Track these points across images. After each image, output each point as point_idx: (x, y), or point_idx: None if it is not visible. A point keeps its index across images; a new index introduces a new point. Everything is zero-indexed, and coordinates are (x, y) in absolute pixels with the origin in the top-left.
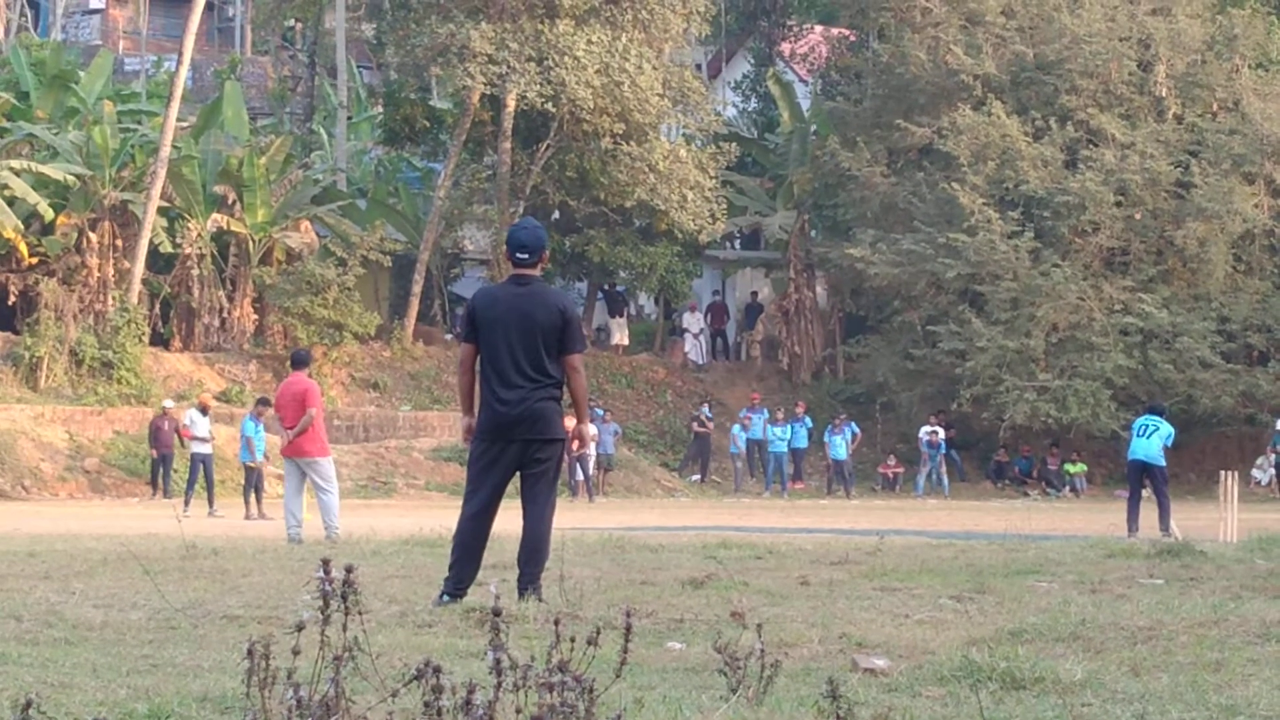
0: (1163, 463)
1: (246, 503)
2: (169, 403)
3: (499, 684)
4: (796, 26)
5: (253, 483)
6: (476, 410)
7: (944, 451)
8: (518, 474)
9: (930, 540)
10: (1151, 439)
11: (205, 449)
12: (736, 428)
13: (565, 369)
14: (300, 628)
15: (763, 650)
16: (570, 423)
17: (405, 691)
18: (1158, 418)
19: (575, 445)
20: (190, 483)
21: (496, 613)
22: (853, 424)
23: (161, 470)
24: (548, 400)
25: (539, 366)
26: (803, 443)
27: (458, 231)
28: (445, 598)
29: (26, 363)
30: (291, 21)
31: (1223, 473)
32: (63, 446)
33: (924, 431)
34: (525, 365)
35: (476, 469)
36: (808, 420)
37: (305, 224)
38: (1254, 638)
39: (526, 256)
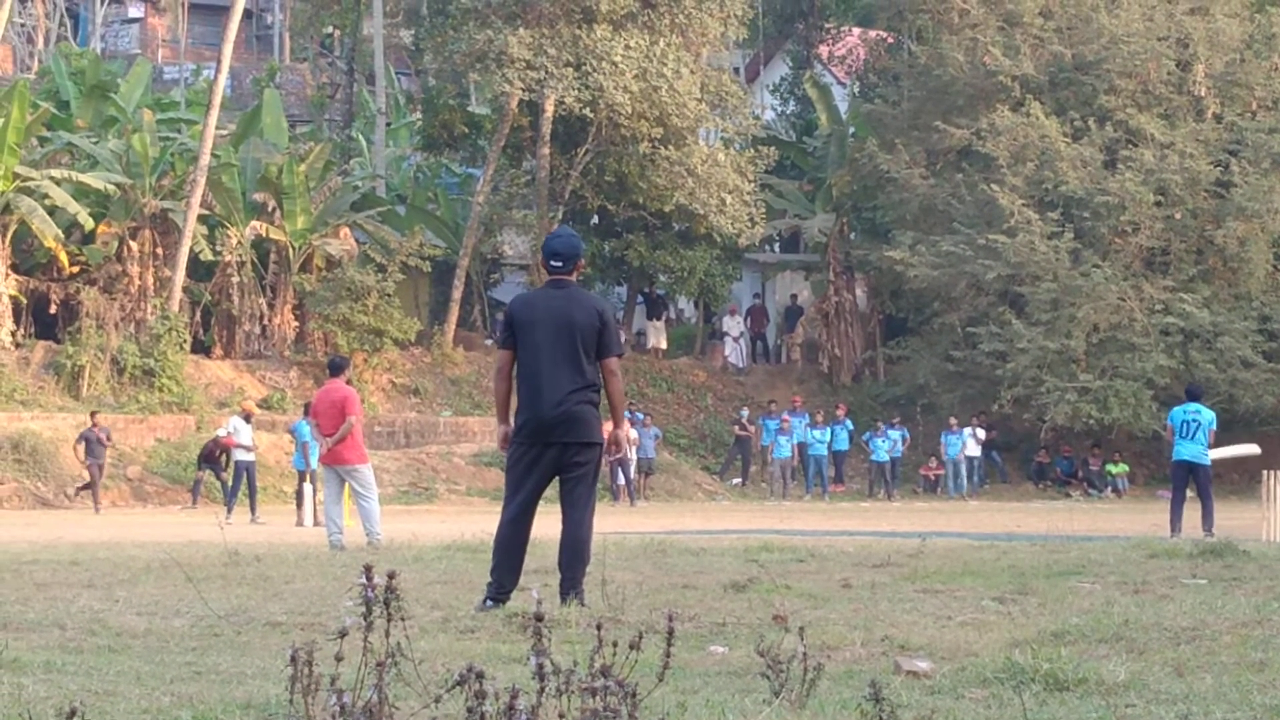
0: (1208, 462)
1: (300, 508)
2: (222, 432)
3: (542, 689)
4: (834, 29)
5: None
6: (513, 417)
7: (968, 453)
8: (556, 479)
9: (972, 542)
10: (1196, 437)
11: (249, 456)
12: (775, 431)
13: (603, 372)
14: (343, 634)
15: (805, 653)
16: (608, 428)
17: (448, 697)
18: (1198, 405)
19: (612, 449)
20: (234, 490)
21: (539, 618)
22: (903, 429)
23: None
24: (584, 404)
25: (576, 370)
26: (844, 445)
27: (497, 237)
28: (488, 603)
29: (69, 371)
30: (330, 28)
31: (1265, 472)
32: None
33: (951, 439)
34: (563, 368)
35: (514, 473)
36: (849, 423)
37: (345, 230)
38: None
39: (561, 265)
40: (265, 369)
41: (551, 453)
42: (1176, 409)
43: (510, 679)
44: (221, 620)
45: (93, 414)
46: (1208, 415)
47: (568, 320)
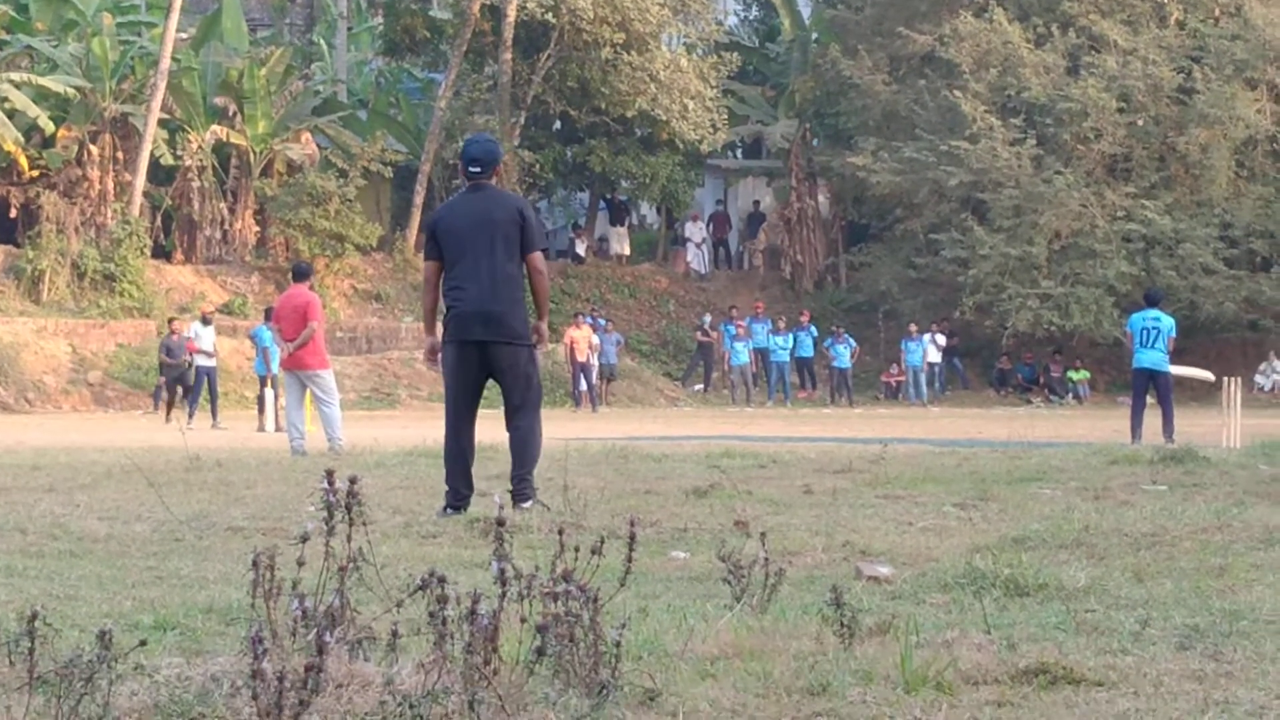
0: (1168, 369)
1: (262, 414)
2: (189, 334)
3: (503, 594)
4: None
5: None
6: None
7: (929, 360)
8: (491, 382)
9: (933, 448)
10: (1156, 345)
11: (210, 362)
12: (732, 338)
13: (528, 268)
14: (305, 539)
15: (767, 559)
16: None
17: (410, 602)
18: (1157, 312)
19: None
20: (194, 395)
21: (500, 523)
22: (849, 337)
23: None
24: (507, 301)
25: (499, 269)
26: (809, 352)
27: (459, 142)
28: (448, 510)
29: (28, 276)
30: None
31: (1225, 378)
32: (65, 359)
33: (911, 345)
34: (484, 267)
35: (448, 379)
36: (813, 329)
37: (306, 135)
38: (1257, 543)
39: (480, 170)
40: (226, 274)
41: (477, 352)
42: (1136, 315)
43: (472, 584)
44: (183, 525)
45: (170, 320)
46: (1167, 322)
47: (488, 220)
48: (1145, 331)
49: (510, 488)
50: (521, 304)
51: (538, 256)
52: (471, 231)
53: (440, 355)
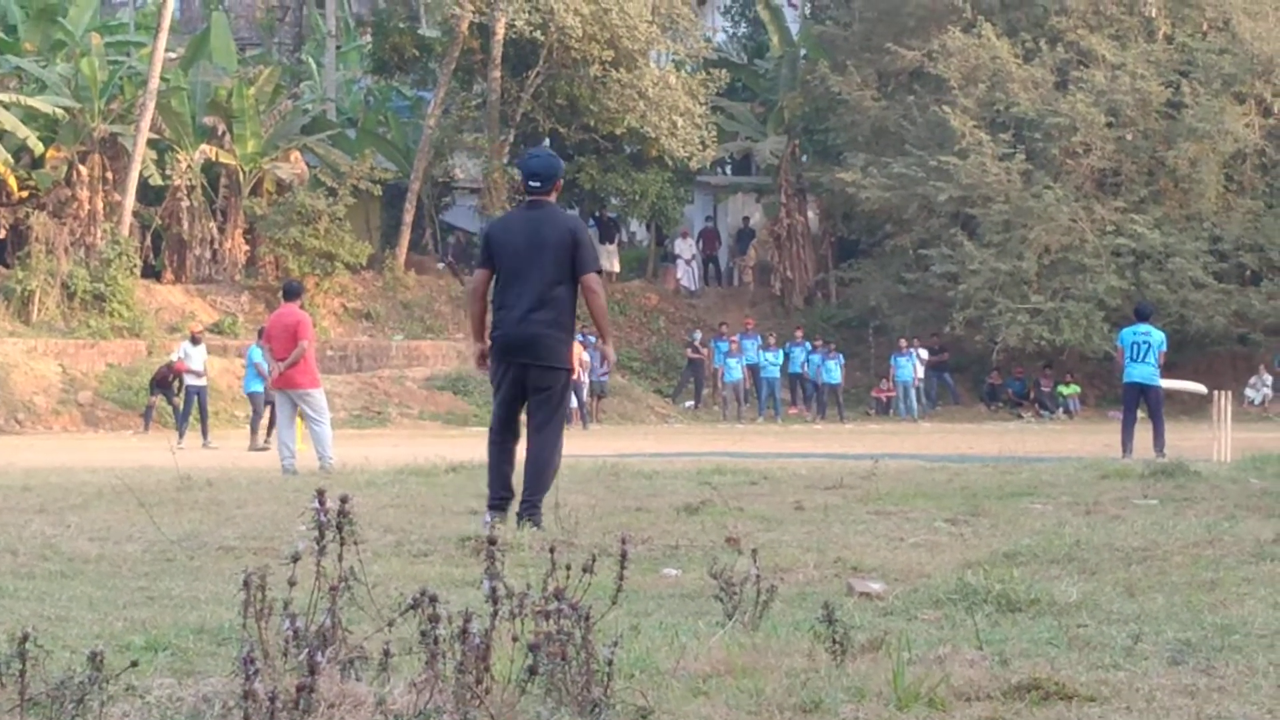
0: (1159, 383)
1: (254, 433)
2: (174, 357)
3: (495, 612)
4: None
5: (261, 412)
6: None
7: (921, 376)
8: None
9: (924, 464)
10: (1147, 359)
11: (200, 381)
12: (724, 354)
13: (583, 290)
14: (296, 558)
15: (758, 575)
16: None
17: (402, 621)
18: (1147, 326)
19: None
20: (184, 415)
21: (492, 541)
22: (840, 355)
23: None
24: (549, 326)
25: (544, 291)
26: (798, 368)
27: (448, 160)
28: (489, 514)
29: (18, 296)
30: None
31: (1216, 392)
32: (56, 380)
33: (901, 361)
34: (530, 289)
35: (494, 389)
36: (807, 345)
37: (295, 154)
38: (1248, 557)
39: (540, 185)
40: (216, 293)
41: (515, 372)
42: (1126, 330)
43: (464, 602)
44: (174, 545)
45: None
46: (1158, 336)
47: (540, 239)
48: (1135, 346)
49: (520, 505)
50: (565, 327)
51: (592, 278)
52: (523, 250)
53: (488, 362)
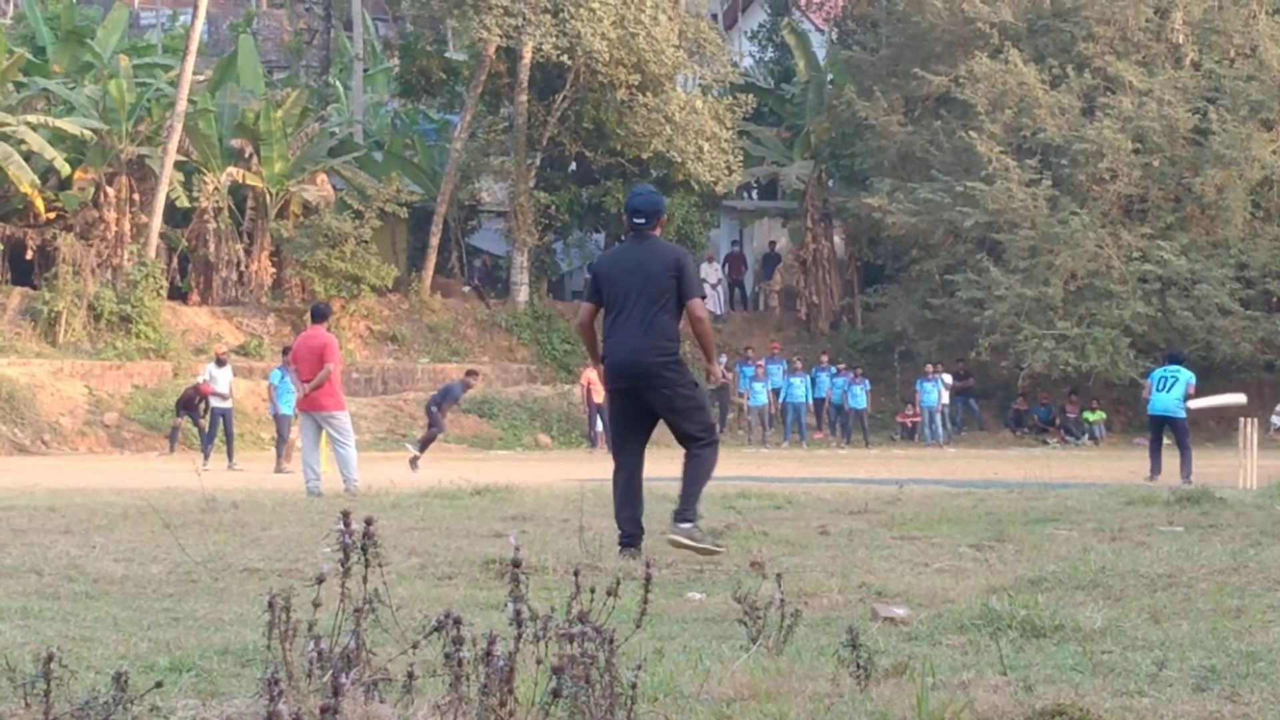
0: (1183, 415)
1: (280, 455)
2: (201, 378)
3: (519, 635)
4: None
5: (287, 435)
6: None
7: (946, 402)
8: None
9: (949, 489)
10: (1171, 391)
11: (226, 404)
12: (750, 379)
13: (689, 316)
14: (321, 580)
15: (782, 600)
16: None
17: (426, 643)
18: (1178, 367)
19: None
20: (209, 437)
21: (516, 564)
22: (866, 380)
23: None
24: (658, 354)
25: (651, 320)
26: (861, 403)
27: (474, 183)
28: (623, 550)
29: (45, 317)
30: None
31: (1242, 419)
32: (82, 401)
33: (927, 386)
34: (637, 319)
35: (611, 419)
36: (832, 370)
37: (322, 177)
38: (1274, 584)
39: (643, 222)
40: (242, 315)
41: (637, 398)
42: (1157, 370)
43: (488, 625)
44: (199, 566)
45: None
46: (1186, 374)
47: (645, 272)
48: (1163, 380)
49: (674, 512)
50: (671, 351)
51: (697, 304)
52: (628, 282)
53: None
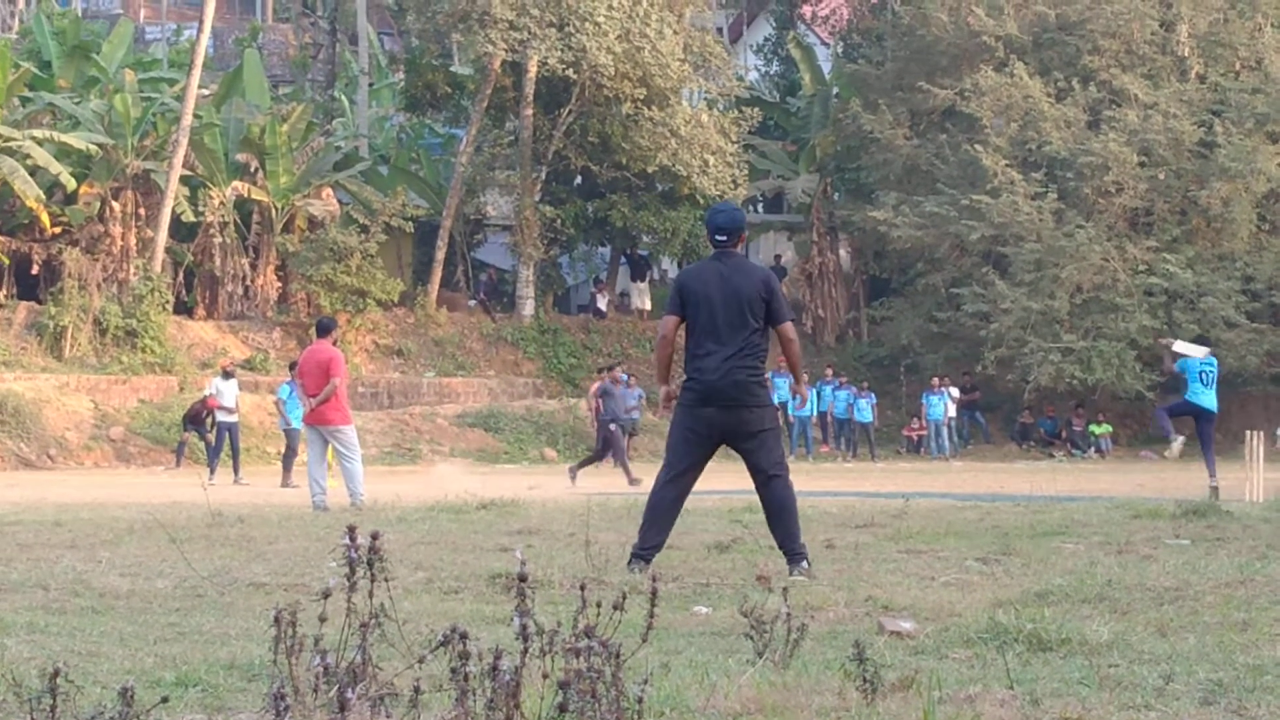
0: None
1: (287, 470)
2: (208, 392)
3: (525, 649)
4: None
5: (295, 450)
6: (675, 380)
7: (952, 415)
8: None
9: (955, 502)
10: (1212, 388)
11: (232, 418)
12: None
13: (780, 338)
14: (327, 595)
15: (789, 614)
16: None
17: (432, 658)
18: (1212, 358)
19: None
20: (216, 451)
21: (522, 578)
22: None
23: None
24: (748, 372)
25: (742, 339)
26: (868, 417)
27: (480, 197)
28: (634, 561)
29: (51, 332)
30: None
31: (1248, 432)
32: (88, 415)
33: (933, 399)
34: (728, 337)
35: (678, 437)
36: (837, 383)
37: (327, 191)
38: None
39: (725, 239)
40: (248, 330)
41: (718, 419)
42: (1192, 359)
43: (494, 639)
44: (205, 581)
45: (609, 369)
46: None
47: (734, 289)
48: (1204, 374)
49: (787, 558)
50: (762, 372)
51: (788, 326)
52: (718, 300)
53: (673, 406)
